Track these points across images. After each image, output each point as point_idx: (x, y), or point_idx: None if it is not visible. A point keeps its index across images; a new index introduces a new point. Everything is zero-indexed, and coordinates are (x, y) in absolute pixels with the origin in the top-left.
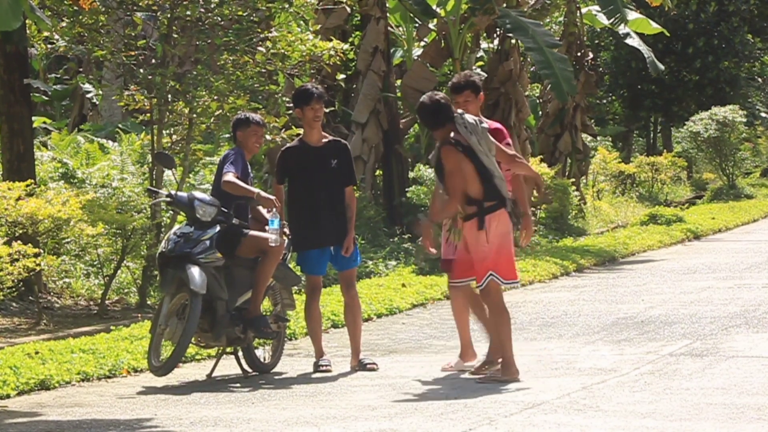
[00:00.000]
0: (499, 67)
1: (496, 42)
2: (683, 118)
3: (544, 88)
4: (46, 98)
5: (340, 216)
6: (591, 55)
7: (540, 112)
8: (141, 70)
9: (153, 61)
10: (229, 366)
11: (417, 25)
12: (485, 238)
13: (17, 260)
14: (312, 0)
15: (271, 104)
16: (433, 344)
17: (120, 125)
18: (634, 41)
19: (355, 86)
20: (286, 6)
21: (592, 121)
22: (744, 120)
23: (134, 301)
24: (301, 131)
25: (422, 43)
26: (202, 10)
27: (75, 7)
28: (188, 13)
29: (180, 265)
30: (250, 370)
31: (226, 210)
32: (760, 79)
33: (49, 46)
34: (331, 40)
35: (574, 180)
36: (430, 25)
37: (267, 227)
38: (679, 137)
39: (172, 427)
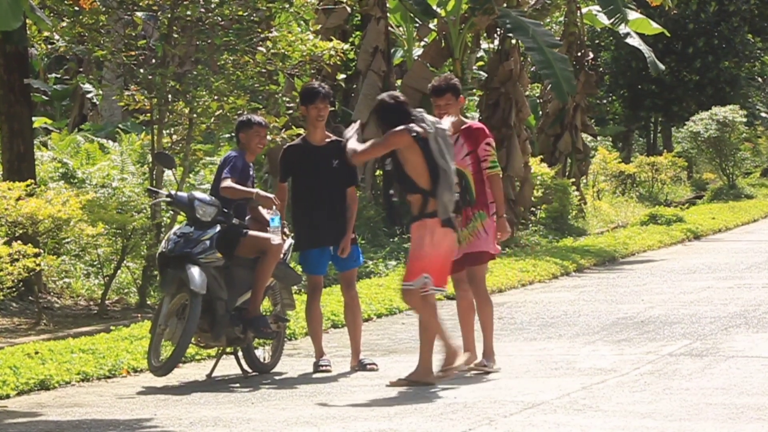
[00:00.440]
0: (499, 67)
1: (496, 42)
2: (683, 118)
3: (545, 88)
4: (46, 98)
5: (340, 216)
6: (591, 55)
7: (540, 112)
8: (141, 70)
9: (153, 61)
10: (228, 366)
11: (417, 25)
12: (430, 240)
13: (17, 260)
14: (312, 0)
15: (272, 104)
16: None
17: (120, 125)
18: (634, 41)
19: (355, 86)
20: (287, 6)
21: (593, 121)
22: (744, 120)
23: (134, 301)
24: (301, 131)
25: (422, 43)
26: (203, 10)
27: (75, 7)
28: (188, 13)
29: (180, 265)
30: (249, 370)
31: (226, 210)
32: (760, 79)
33: (49, 46)
34: (331, 40)
35: (574, 180)
36: (431, 25)
37: (268, 227)
38: (679, 137)
39: (172, 427)
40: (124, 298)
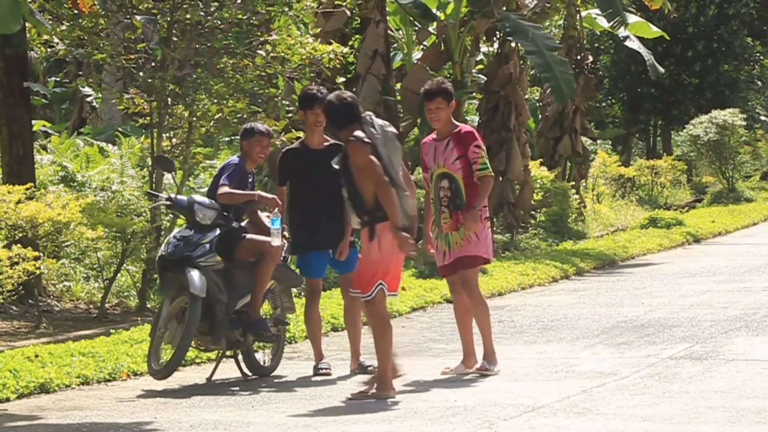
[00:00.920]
0: (498, 70)
1: (495, 45)
2: (683, 121)
3: (544, 91)
4: (46, 101)
5: (339, 219)
6: (591, 59)
7: (540, 116)
8: (141, 74)
9: (153, 64)
10: (228, 369)
11: (417, 28)
12: (377, 248)
13: (17, 263)
14: (312, 3)
15: (271, 107)
16: (433, 347)
17: (120, 128)
18: (633, 44)
19: (354, 89)
20: (286, 9)
21: (592, 124)
22: (744, 123)
23: (134, 305)
24: (301, 134)
25: (422, 47)
26: (202, 13)
27: (75, 11)
28: (188, 16)
29: (180, 268)
30: (249, 373)
31: (225, 213)
32: (759, 83)
33: (48, 49)
34: (330, 44)
35: (573, 183)
36: (430, 29)
37: (270, 228)
38: (678, 140)
39: (172, 430)
40: (124, 302)
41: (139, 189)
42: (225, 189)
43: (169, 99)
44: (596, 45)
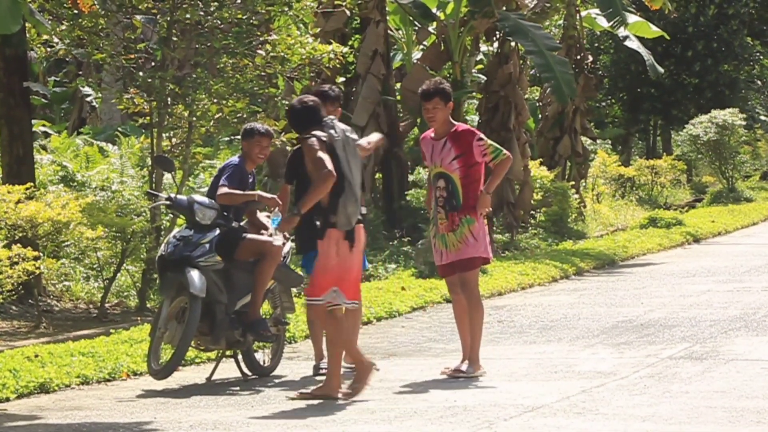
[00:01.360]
0: (498, 70)
1: (495, 45)
2: (683, 121)
3: (544, 91)
4: (46, 101)
5: None
6: (590, 58)
7: (539, 115)
8: (140, 73)
9: (152, 64)
10: (228, 369)
11: (416, 28)
12: (335, 253)
13: (17, 263)
14: (311, 3)
15: (271, 107)
16: (433, 347)
17: (119, 128)
18: (633, 44)
19: (354, 89)
20: (286, 9)
21: (592, 124)
22: (743, 123)
23: (134, 305)
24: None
25: (422, 47)
26: (202, 13)
27: (74, 11)
28: (188, 16)
29: (179, 268)
30: (249, 373)
31: (225, 213)
32: (759, 82)
33: (48, 49)
34: (330, 43)
35: (573, 183)
36: (430, 29)
37: (270, 228)
38: (678, 140)
39: (172, 430)
40: (124, 302)
41: (139, 189)
42: (224, 189)
43: (169, 99)
44: (596, 45)
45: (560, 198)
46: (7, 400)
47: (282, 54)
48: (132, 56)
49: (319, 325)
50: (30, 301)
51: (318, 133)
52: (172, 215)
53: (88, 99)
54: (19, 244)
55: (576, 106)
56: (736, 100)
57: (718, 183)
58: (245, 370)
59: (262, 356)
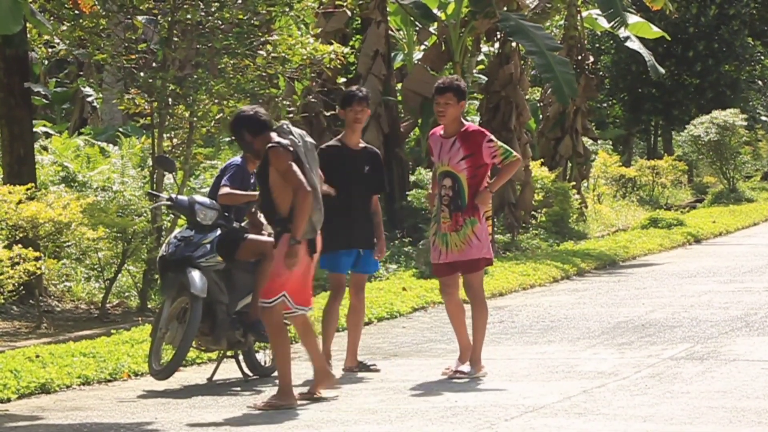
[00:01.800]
0: (499, 71)
1: (496, 45)
2: (684, 121)
3: (545, 92)
4: (47, 102)
5: (369, 221)
6: (591, 59)
7: (541, 116)
8: (141, 74)
9: (153, 64)
10: (229, 370)
11: (417, 28)
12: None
13: (18, 264)
14: (312, 3)
15: (272, 108)
16: (434, 348)
17: (120, 129)
18: (634, 45)
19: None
20: (287, 9)
21: (593, 124)
22: (744, 123)
23: (135, 305)
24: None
25: (423, 47)
26: (203, 13)
27: (75, 11)
28: (189, 16)
29: (181, 268)
30: (250, 373)
31: (226, 214)
32: (760, 82)
33: (49, 49)
34: (331, 44)
35: (574, 183)
36: (431, 29)
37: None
38: (679, 141)
39: (173, 430)
40: (125, 302)
41: (140, 189)
42: (226, 189)
43: (170, 99)
44: (597, 45)
45: (561, 198)
46: (8, 400)
47: (283, 54)
48: (133, 57)
49: (332, 323)
50: (31, 301)
51: (283, 141)
52: (173, 216)
53: (89, 99)
54: (20, 245)
55: (577, 106)
56: (737, 101)
57: (719, 183)
58: (246, 370)
59: (263, 357)
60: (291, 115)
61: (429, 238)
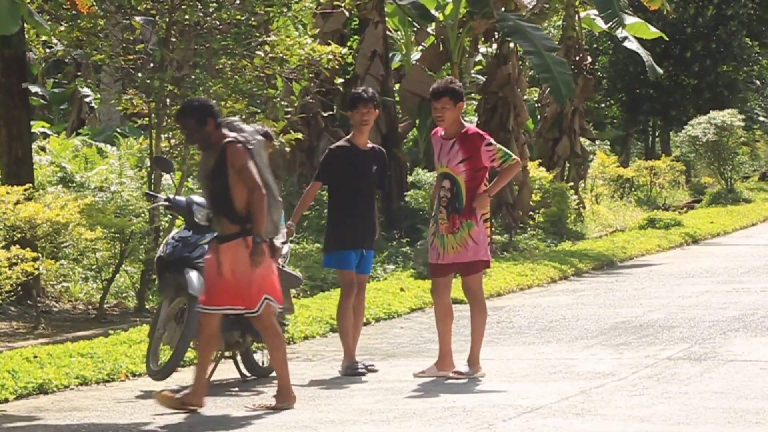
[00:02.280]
0: (497, 71)
1: (494, 46)
2: (681, 122)
3: (543, 92)
4: (45, 102)
5: (373, 220)
6: (589, 59)
7: (538, 116)
8: (139, 74)
9: (151, 65)
10: (227, 370)
11: (415, 29)
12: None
13: (15, 264)
14: (310, 4)
15: (270, 108)
16: (432, 348)
17: (118, 129)
18: (632, 45)
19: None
20: (285, 10)
21: (591, 125)
22: (742, 124)
23: (133, 305)
24: (299, 135)
25: (421, 47)
26: (201, 14)
27: (73, 11)
28: (186, 17)
29: (178, 269)
30: (248, 374)
31: None
32: (758, 83)
33: (47, 50)
34: (329, 44)
35: (572, 184)
36: (429, 29)
37: None
38: (677, 141)
39: (171, 431)
40: (123, 302)
41: (138, 190)
42: None
43: (168, 100)
44: (595, 46)
45: (559, 199)
46: (6, 401)
47: (281, 55)
48: (131, 57)
49: (349, 322)
50: (29, 302)
51: (239, 137)
52: (170, 216)
53: (87, 100)
54: (17, 245)
55: (575, 106)
56: (735, 101)
57: (716, 184)
58: (244, 370)
59: (261, 357)
60: (288, 116)
61: (428, 238)
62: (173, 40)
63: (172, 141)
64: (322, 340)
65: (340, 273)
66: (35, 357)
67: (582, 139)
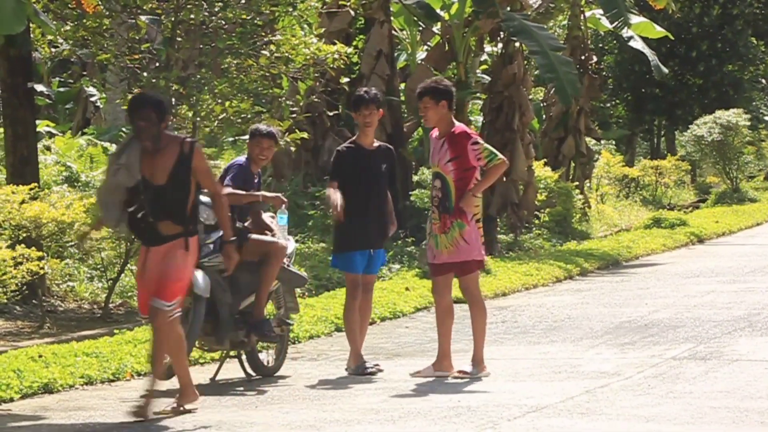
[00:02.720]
0: (502, 71)
1: (499, 45)
2: (687, 121)
3: (548, 92)
4: (50, 102)
5: (384, 220)
6: (595, 59)
7: (544, 116)
8: (145, 74)
9: (157, 64)
10: (232, 369)
11: (421, 28)
12: (192, 261)
13: (21, 264)
14: (316, 3)
15: (275, 108)
16: (437, 348)
17: (124, 128)
18: (637, 44)
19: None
20: (290, 9)
21: (596, 124)
22: (748, 123)
23: (137, 305)
24: (305, 135)
25: (426, 47)
26: (206, 13)
27: (79, 11)
28: (192, 16)
29: None
30: (253, 373)
31: (230, 214)
32: (764, 82)
33: (52, 49)
34: (334, 44)
35: (577, 183)
36: (434, 29)
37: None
38: (682, 141)
39: (176, 430)
40: (128, 302)
41: None
42: (228, 189)
43: (173, 99)
44: (600, 45)
45: (564, 198)
46: (11, 400)
47: (286, 54)
48: (136, 56)
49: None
50: (34, 301)
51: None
52: None
53: (93, 99)
54: (23, 245)
55: (580, 106)
56: (741, 101)
57: (722, 183)
58: (249, 370)
59: (266, 357)
60: (294, 116)
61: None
62: (179, 39)
63: None
64: (327, 340)
65: (345, 275)
66: (40, 356)
67: (587, 139)
